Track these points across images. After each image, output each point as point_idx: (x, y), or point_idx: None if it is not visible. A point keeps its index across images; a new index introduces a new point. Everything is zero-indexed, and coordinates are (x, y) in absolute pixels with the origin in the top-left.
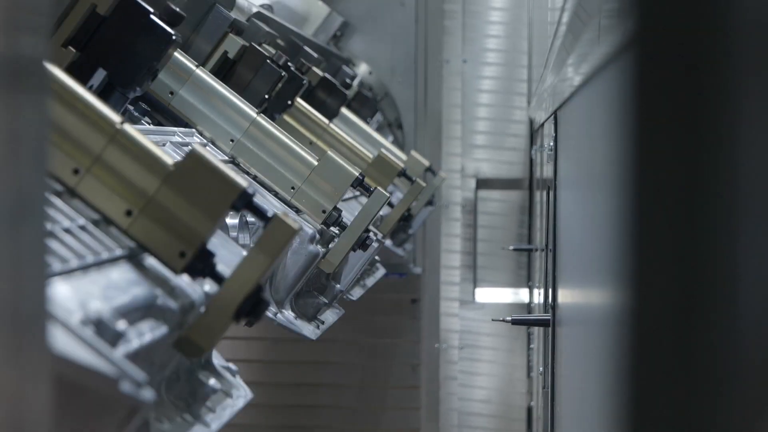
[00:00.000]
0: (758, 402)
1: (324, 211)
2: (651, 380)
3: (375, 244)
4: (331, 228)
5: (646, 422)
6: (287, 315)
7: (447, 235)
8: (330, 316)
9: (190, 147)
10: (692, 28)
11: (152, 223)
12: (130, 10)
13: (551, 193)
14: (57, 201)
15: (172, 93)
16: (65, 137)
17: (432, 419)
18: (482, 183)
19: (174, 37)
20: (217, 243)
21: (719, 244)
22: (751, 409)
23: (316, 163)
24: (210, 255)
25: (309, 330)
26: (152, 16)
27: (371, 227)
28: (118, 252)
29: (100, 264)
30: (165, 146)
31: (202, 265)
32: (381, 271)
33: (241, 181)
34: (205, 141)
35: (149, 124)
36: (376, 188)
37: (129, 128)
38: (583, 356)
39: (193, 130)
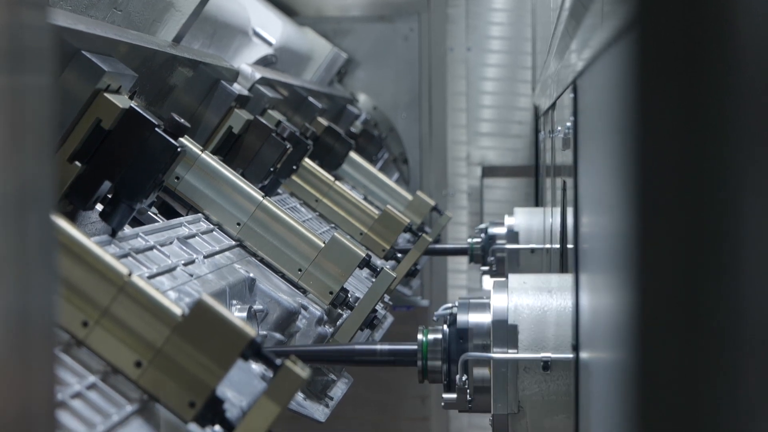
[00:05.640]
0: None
1: (331, 293)
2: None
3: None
4: (338, 309)
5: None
6: (296, 396)
7: (453, 223)
8: (338, 389)
9: (197, 296)
10: (693, 11)
11: (162, 373)
12: (135, 124)
13: (568, 180)
14: (65, 357)
15: (178, 178)
16: (74, 290)
17: None
18: (488, 171)
19: (179, 150)
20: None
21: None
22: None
23: (322, 245)
24: (219, 402)
25: (319, 411)
26: (157, 129)
27: (378, 306)
28: (129, 408)
29: (112, 429)
30: (171, 245)
31: (211, 414)
32: (389, 320)
33: (249, 330)
34: (212, 226)
35: (156, 212)
36: (382, 269)
37: (137, 280)
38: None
39: (200, 215)
